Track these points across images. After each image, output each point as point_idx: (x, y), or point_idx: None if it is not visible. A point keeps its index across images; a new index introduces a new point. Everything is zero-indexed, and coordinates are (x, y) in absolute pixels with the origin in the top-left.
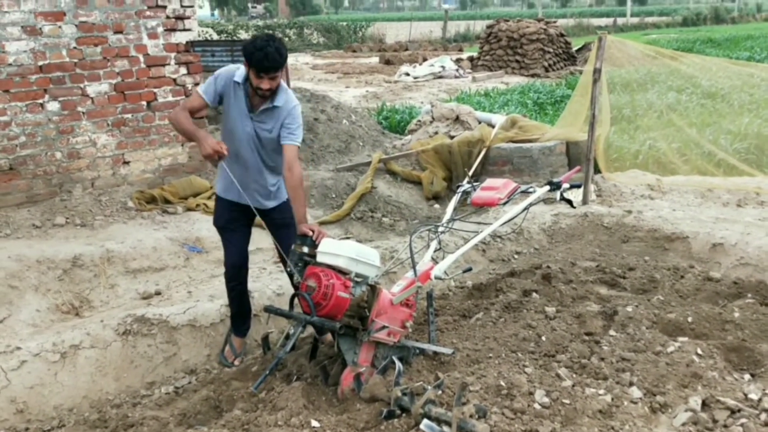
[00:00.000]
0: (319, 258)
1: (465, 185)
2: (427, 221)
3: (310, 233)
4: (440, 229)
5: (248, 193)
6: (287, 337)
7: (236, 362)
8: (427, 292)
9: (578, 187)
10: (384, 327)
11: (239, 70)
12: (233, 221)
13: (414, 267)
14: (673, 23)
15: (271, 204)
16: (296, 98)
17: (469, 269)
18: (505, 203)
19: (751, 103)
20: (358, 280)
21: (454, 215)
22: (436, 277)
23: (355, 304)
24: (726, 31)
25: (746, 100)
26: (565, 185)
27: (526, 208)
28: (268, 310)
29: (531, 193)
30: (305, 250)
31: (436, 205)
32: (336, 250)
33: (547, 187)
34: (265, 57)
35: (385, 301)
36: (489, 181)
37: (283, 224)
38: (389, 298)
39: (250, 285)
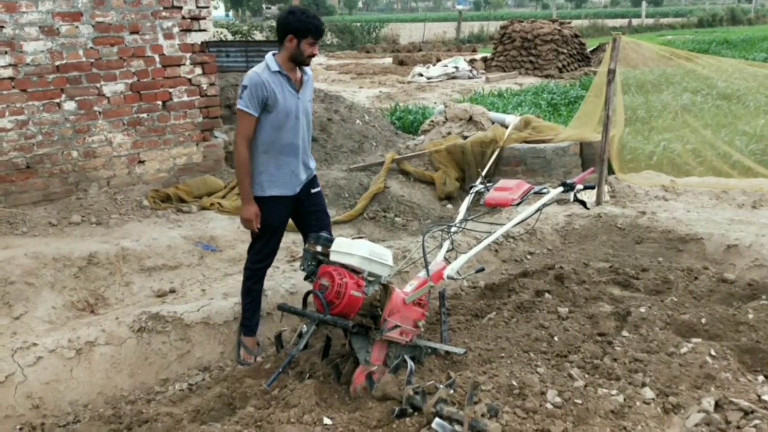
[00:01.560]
0: (333, 257)
1: (478, 186)
2: (439, 221)
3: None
4: (453, 229)
5: (300, 181)
6: (300, 335)
7: (259, 359)
8: (440, 291)
9: (592, 188)
10: (396, 326)
11: (268, 62)
12: (284, 222)
13: (427, 267)
14: (689, 24)
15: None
16: None
17: (482, 269)
18: (518, 204)
19: (767, 105)
20: (371, 279)
21: (467, 215)
22: (449, 277)
23: (368, 303)
24: (742, 32)
25: (762, 102)
26: (579, 186)
27: (539, 209)
28: (282, 308)
29: (544, 193)
30: (318, 249)
31: (449, 206)
32: (349, 249)
33: (561, 188)
34: (321, 22)
35: (398, 301)
36: (502, 182)
37: (322, 209)
38: (402, 297)
39: (264, 284)
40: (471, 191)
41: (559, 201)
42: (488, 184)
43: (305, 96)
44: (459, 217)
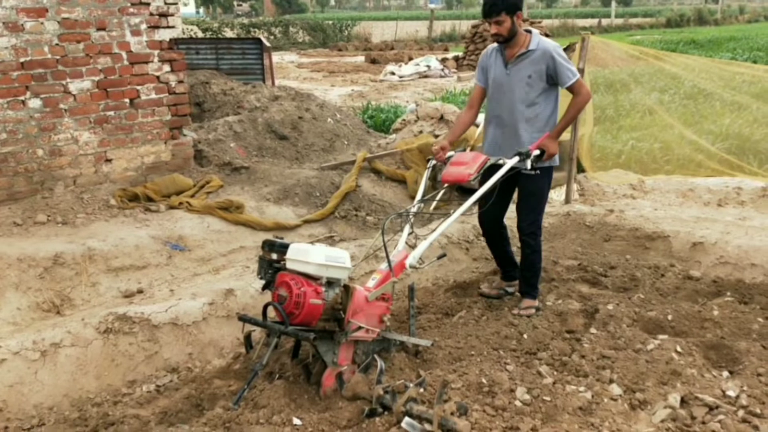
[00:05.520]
0: (289, 265)
1: (434, 159)
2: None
3: (535, 151)
4: (412, 210)
5: (503, 153)
6: (266, 343)
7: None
8: (409, 285)
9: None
10: (360, 327)
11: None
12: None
13: (389, 260)
14: (657, 24)
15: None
16: (552, 42)
17: (444, 255)
18: (475, 178)
19: (732, 104)
20: (332, 281)
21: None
22: (411, 266)
23: (330, 307)
24: (709, 32)
25: (728, 101)
26: (535, 152)
27: (497, 182)
28: (243, 319)
29: (501, 165)
30: (274, 256)
31: (420, 204)
32: (305, 257)
33: (517, 158)
34: (485, 2)
35: (361, 300)
36: (458, 156)
37: (528, 193)
38: (365, 295)
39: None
40: (428, 165)
41: None
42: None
43: (521, 71)
44: (417, 196)
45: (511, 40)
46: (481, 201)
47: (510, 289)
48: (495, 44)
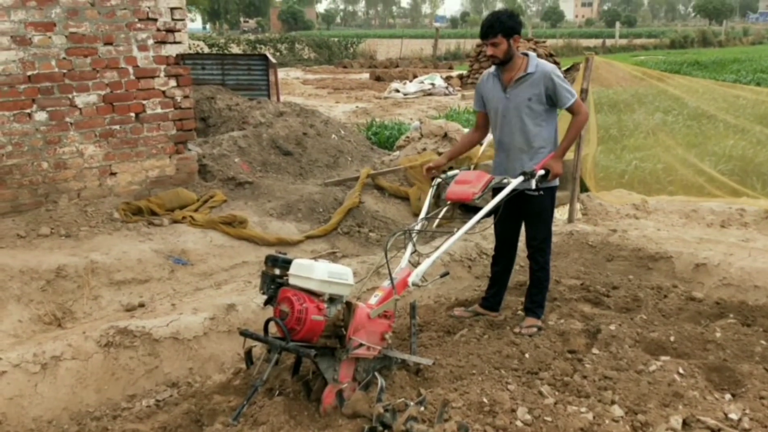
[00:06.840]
0: (291, 280)
1: (440, 177)
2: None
3: (540, 171)
4: (416, 227)
5: (510, 176)
6: (267, 359)
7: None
8: (411, 303)
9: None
10: (362, 344)
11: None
12: (501, 209)
13: (391, 278)
14: (661, 45)
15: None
16: (549, 64)
17: (446, 274)
18: (479, 197)
19: (736, 126)
20: (334, 298)
21: (428, 214)
22: (413, 284)
23: (331, 324)
24: (713, 54)
25: (731, 123)
26: (540, 172)
27: (500, 201)
28: (244, 334)
29: (506, 185)
30: (276, 272)
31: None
32: (307, 273)
33: (521, 177)
34: (482, 24)
35: (362, 317)
36: (462, 175)
37: (532, 213)
38: (366, 312)
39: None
40: (433, 183)
41: None
42: (451, 173)
43: (520, 94)
44: (421, 214)
45: (508, 63)
46: (495, 218)
47: (480, 311)
48: (491, 69)
